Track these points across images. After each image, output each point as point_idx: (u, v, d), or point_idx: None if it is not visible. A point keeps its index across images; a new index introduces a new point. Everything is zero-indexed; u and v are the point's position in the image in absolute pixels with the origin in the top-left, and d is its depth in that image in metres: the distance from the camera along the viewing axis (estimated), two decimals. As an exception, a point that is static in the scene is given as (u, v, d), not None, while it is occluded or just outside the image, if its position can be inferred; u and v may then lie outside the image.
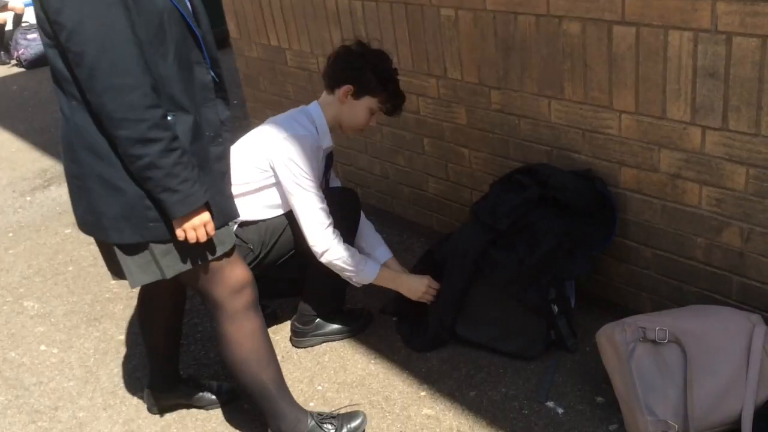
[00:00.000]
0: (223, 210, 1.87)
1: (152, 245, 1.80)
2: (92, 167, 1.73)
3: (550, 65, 2.38)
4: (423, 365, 2.48)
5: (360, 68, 2.35)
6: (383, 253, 2.63)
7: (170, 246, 1.81)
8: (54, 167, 4.92)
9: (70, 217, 4.09)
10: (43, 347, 2.94)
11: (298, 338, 2.66)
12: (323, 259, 2.33)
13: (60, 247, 3.77)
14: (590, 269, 2.35)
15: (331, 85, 2.41)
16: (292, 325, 2.67)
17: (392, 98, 2.41)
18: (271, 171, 2.34)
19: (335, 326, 2.66)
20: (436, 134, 2.98)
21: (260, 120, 4.13)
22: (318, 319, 2.63)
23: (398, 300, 2.64)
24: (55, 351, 2.90)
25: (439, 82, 2.83)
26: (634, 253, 2.41)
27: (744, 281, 2.15)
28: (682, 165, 2.14)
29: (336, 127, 2.48)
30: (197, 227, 1.77)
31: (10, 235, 4.01)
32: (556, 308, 2.35)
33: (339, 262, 2.33)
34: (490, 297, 2.42)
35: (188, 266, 1.84)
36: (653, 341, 1.95)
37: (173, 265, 1.82)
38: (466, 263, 2.41)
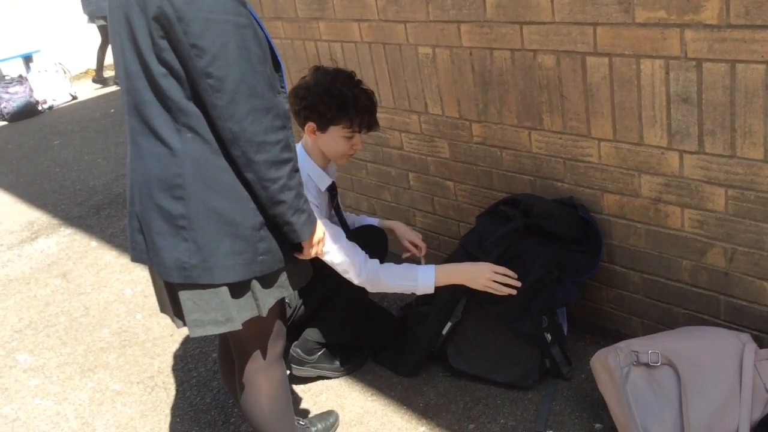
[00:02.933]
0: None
1: (253, 282, 1.77)
2: (207, 202, 1.66)
3: (527, 97, 2.43)
4: (420, 400, 2.48)
5: (311, 103, 2.24)
6: (372, 220, 2.66)
7: (268, 281, 1.80)
8: (41, 219, 4.92)
9: (60, 268, 4.08)
10: (37, 401, 2.91)
11: (297, 365, 2.64)
12: (376, 290, 2.31)
13: (50, 299, 3.76)
14: (580, 296, 2.38)
15: (299, 124, 2.34)
16: (292, 350, 2.62)
17: (357, 118, 2.26)
18: None
19: (335, 363, 2.66)
20: (420, 169, 3.02)
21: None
22: (322, 351, 2.63)
23: (371, 331, 2.68)
24: (50, 404, 2.88)
25: (421, 117, 2.88)
26: (623, 278, 2.45)
27: (731, 301, 2.18)
28: (663, 189, 2.19)
29: (327, 161, 2.40)
30: (321, 239, 1.84)
31: (0, 288, 4.00)
32: (549, 336, 2.37)
33: (392, 283, 2.29)
34: (483, 328, 2.44)
35: (272, 302, 1.82)
36: (647, 364, 1.97)
37: (267, 300, 1.80)
38: (456, 295, 2.44)
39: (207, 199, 1.66)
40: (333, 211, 2.51)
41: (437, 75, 2.71)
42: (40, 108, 8.21)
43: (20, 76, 8.33)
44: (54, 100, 8.40)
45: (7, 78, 8.34)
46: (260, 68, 1.59)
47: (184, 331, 3.20)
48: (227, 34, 1.54)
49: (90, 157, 6.13)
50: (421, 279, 2.30)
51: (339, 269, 2.26)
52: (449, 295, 2.45)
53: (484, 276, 2.27)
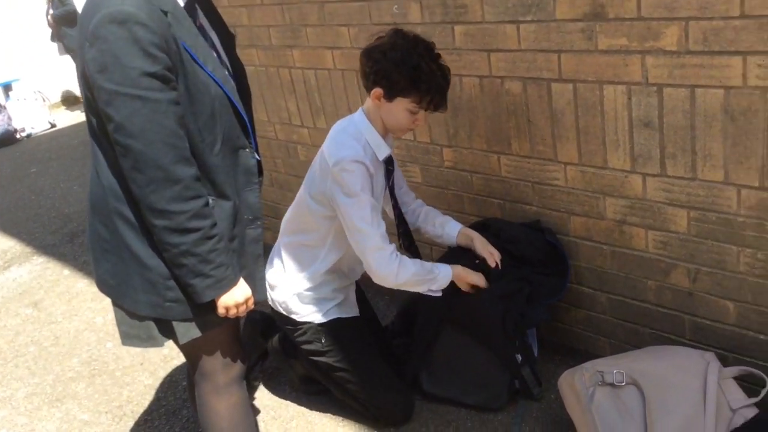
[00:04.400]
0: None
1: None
2: (123, 236, 1.72)
3: (496, 123, 2.48)
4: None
5: (383, 68, 2.07)
6: (454, 225, 2.46)
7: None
8: (14, 247, 4.86)
9: (32, 297, 4.03)
10: (3, 432, 2.86)
11: (275, 342, 2.68)
12: (395, 285, 2.21)
13: (21, 328, 3.71)
14: (550, 317, 2.40)
15: (365, 87, 2.17)
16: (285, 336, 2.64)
17: (428, 96, 2.10)
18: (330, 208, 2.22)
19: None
20: (393, 194, 3.05)
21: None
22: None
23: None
24: (16, 435, 2.83)
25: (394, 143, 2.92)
26: (590, 299, 2.48)
27: (695, 320, 2.21)
28: (627, 211, 2.23)
29: (386, 130, 2.24)
30: (240, 304, 1.80)
31: (-31, 318, 3.94)
32: (519, 357, 2.39)
33: (411, 279, 2.19)
34: (454, 352, 2.45)
35: (197, 334, 1.83)
36: (612, 384, 1.99)
37: (186, 333, 1.82)
38: (432, 318, 2.45)
39: (124, 234, 1.73)
40: (387, 191, 2.34)
41: (408, 101, 2.75)
42: (18, 136, 8.17)
43: (-1, 105, 8.30)
44: (32, 128, 8.36)
45: (-15, 105, 8.30)
46: (171, 141, 1.60)
47: (155, 360, 3.17)
48: (134, 108, 1.56)
49: (66, 185, 6.10)
50: (440, 271, 2.23)
51: (367, 258, 2.16)
52: (427, 319, 2.47)
53: (482, 277, 2.31)
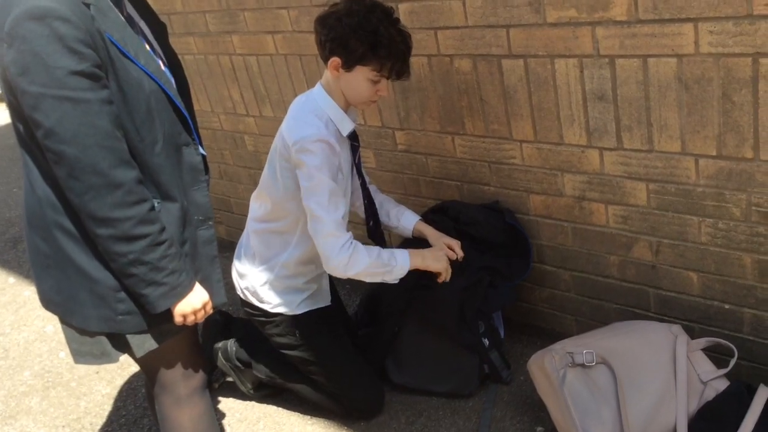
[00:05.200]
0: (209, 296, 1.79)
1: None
2: (64, 249, 1.61)
3: (448, 103, 2.40)
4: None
5: (339, 36, 1.93)
6: (410, 217, 2.35)
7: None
8: (-47, 257, 4.64)
9: (-25, 310, 3.86)
10: (-46, 457, 2.73)
11: (223, 357, 2.60)
12: (344, 276, 2.05)
13: (-34, 343, 3.54)
14: (514, 298, 2.36)
15: (322, 57, 2.02)
16: (230, 345, 2.59)
17: (389, 62, 1.96)
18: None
19: (248, 385, 2.59)
20: (346, 180, 2.96)
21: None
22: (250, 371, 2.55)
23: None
24: (-32, 459, 2.70)
25: (343, 128, 2.83)
26: (553, 277, 2.45)
27: (660, 293, 2.20)
28: (586, 187, 2.19)
29: (348, 104, 2.10)
30: (197, 310, 1.70)
31: None
32: (487, 342, 2.35)
33: (364, 271, 2.03)
34: (420, 340, 2.40)
35: (154, 346, 1.73)
36: (582, 365, 1.97)
37: (142, 345, 1.72)
38: (396, 307, 2.39)
39: (66, 247, 1.61)
40: (354, 169, 2.20)
41: (356, 84, 2.65)
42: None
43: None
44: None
45: None
46: (108, 143, 1.49)
47: (111, 367, 3.05)
48: (63, 110, 1.44)
49: (5, 188, 5.84)
50: (398, 263, 2.07)
51: (321, 243, 2.02)
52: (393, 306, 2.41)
53: (443, 258, 2.17)
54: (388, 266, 2.07)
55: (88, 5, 1.49)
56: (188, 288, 1.67)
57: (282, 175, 2.08)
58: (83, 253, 1.61)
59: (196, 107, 3.46)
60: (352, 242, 2.04)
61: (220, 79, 3.22)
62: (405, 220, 2.34)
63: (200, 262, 1.78)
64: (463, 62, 2.29)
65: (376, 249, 2.08)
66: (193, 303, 1.69)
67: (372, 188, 2.41)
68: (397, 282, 2.13)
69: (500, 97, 2.25)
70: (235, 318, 2.76)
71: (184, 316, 1.69)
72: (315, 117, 2.02)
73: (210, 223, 1.80)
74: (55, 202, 1.59)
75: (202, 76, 3.30)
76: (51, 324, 3.54)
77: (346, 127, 2.08)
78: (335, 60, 1.97)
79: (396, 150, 2.68)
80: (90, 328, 1.68)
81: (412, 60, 2.41)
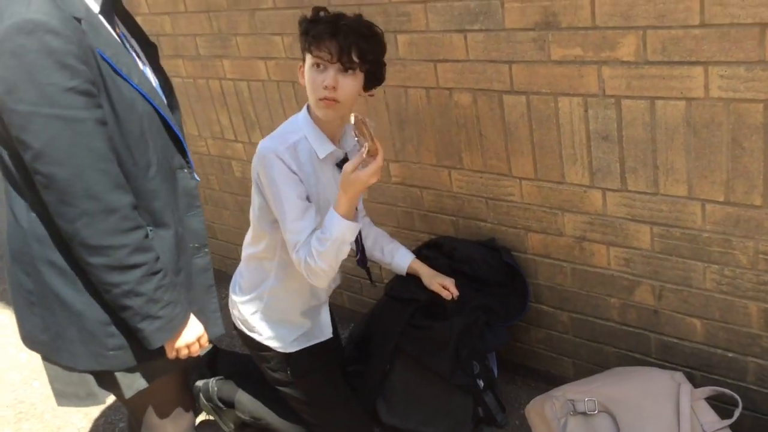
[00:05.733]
0: (205, 328, 1.70)
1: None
2: (50, 284, 1.52)
3: (446, 136, 2.35)
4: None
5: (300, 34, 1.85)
6: (404, 255, 2.24)
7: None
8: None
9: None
10: None
11: (204, 397, 2.48)
12: (316, 268, 1.83)
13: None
14: (509, 339, 2.30)
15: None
16: (211, 384, 2.49)
17: (315, 40, 1.78)
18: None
19: (231, 426, 2.48)
20: (337, 210, 2.89)
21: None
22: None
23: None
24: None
25: (336, 158, 2.76)
26: (551, 318, 2.39)
27: (662, 338, 2.15)
28: (587, 227, 2.14)
29: (325, 123, 1.91)
30: (192, 344, 1.62)
31: None
32: (481, 383, 2.28)
33: (321, 258, 1.81)
34: (413, 380, 2.32)
35: (144, 385, 1.65)
36: (584, 413, 1.90)
37: (132, 385, 1.64)
38: (387, 343, 2.31)
39: (52, 282, 1.52)
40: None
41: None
42: None
43: None
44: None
45: None
46: (102, 166, 1.41)
47: (88, 399, 2.94)
48: (55, 130, 1.36)
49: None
50: (331, 227, 1.79)
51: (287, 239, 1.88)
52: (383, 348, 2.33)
53: (368, 170, 1.77)
54: (329, 239, 1.80)
55: (79, 20, 1.41)
56: (183, 321, 1.59)
57: (254, 192, 1.99)
58: (71, 287, 1.52)
59: (184, 131, 3.38)
60: (304, 242, 1.86)
61: (209, 103, 3.15)
62: (399, 257, 2.26)
63: (195, 292, 1.70)
64: (463, 96, 2.24)
65: (316, 234, 1.85)
66: (188, 337, 1.61)
67: (366, 221, 2.33)
68: (353, 239, 1.87)
69: (500, 132, 2.20)
70: (221, 351, 2.66)
71: (178, 351, 1.61)
72: (288, 133, 1.91)
73: (205, 250, 1.73)
74: (42, 235, 1.50)
75: (190, 100, 3.22)
76: (24, 352, 3.41)
77: (324, 148, 1.91)
78: (299, 64, 1.88)
79: (390, 182, 2.62)
80: (78, 367, 1.59)
81: (410, 91, 2.37)
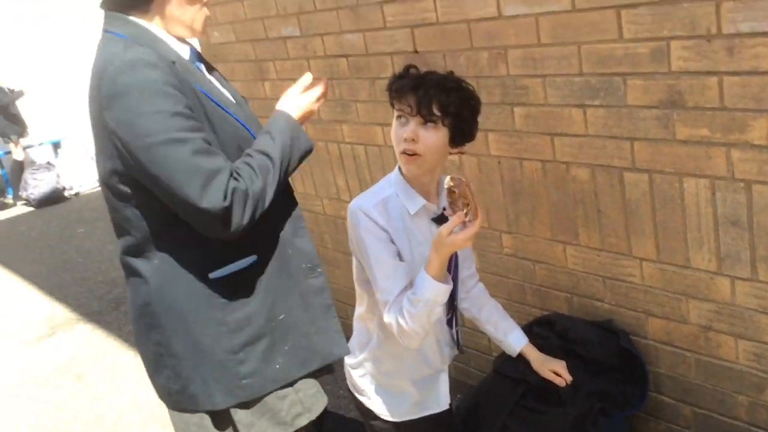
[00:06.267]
0: (325, 350, 1.73)
1: (240, 412, 1.65)
2: (175, 328, 1.61)
3: (561, 210, 2.29)
4: None
5: None
6: (518, 337, 2.13)
7: (260, 407, 1.67)
8: (60, 313, 4.83)
9: (76, 369, 3.97)
10: None
11: None
12: (408, 329, 1.76)
13: (64, 403, 3.62)
14: (627, 429, 2.17)
15: None
16: None
17: (394, 89, 1.82)
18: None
19: None
20: (447, 277, 2.87)
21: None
22: None
23: None
24: None
25: (448, 225, 2.75)
26: (672, 411, 2.23)
27: (797, 444, 1.97)
28: (713, 317, 2.00)
29: (414, 178, 1.87)
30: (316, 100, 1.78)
31: (14, 387, 3.87)
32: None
33: (413, 320, 1.75)
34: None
35: (264, 427, 1.67)
36: None
37: (252, 424, 1.68)
38: (495, 426, 2.23)
39: (176, 325, 1.60)
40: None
41: (464, 183, 2.59)
42: (66, 194, 8.28)
43: (48, 163, 8.44)
44: (80, 186, 8.46)
45: (35, 164, 8.46)
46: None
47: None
48: (174, 151, 1.45)
49: (113, 247, 6.05)
50: (420, 286, 1.73)
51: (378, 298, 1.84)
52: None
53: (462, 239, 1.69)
54: (421, 302, 1.74)
55: (173, 62, 1.54)
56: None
57: (352, 251, 1.98)
58: (194, 324, 1.60)
59: (300, 189, 3.49)
60: (398, 301, 1.80)
61: (327, 165, 3.24)
62: (513, 338, 2.15)
63: (314, 313, 1.72)
64: (581, 171, 2.18)
65: (407, 294, 1.78)
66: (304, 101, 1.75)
67: (479, 288, 2.20)
68: (446, 300, 1.79)
69: (620, 210, 2.12)
70: (329, 413, 2.64)
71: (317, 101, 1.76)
72: (379, 190, 1.91)
73: (319, 270, 1.75)
74: (163, 283, 1.59)
75: (310, 161, 3.31)
76: (143, 391, 3.58)
77: (415, 204, 1.87)
78: None
79: (501, 253, 2.58)
80: (216, 406, 1.64)
81: (525, 163, 2.33)
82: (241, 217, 1.50)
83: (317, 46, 3.00)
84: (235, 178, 1.51)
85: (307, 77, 1.83)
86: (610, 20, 1.96)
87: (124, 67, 1.46)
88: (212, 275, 1.61)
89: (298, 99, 1.76)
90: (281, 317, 1.69)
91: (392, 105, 1.84)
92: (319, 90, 1.79)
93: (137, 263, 1.62)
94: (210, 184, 1.45)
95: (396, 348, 1.96)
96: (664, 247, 2.05)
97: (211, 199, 1.45)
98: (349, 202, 3.19)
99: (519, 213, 2.44)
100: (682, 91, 1.86)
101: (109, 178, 1.56)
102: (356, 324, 2.11)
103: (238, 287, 1.64)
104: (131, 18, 1.60)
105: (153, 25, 1.61)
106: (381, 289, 1.82)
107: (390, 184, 1.91)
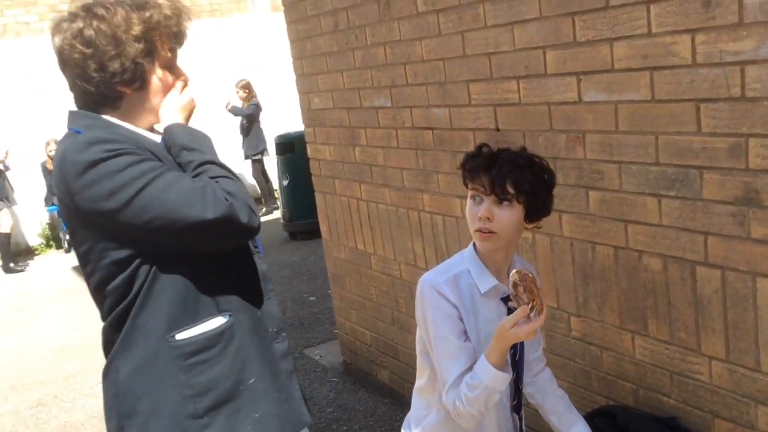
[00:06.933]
0: (293, 417, 1.71)
1: None
2: (142, 390, 1.61)
3: (631, 299, 2.25)
4: None
5: None
6: (581, 430, 2.05)
7: None
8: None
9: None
10: None
11: None
12: (453, 413, 1.82)
13: None
14: None
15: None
16: None
17: (468, 169, 1.85)
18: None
19: None
20: (515, 354, 2.84)
21: (345, 318, 4.14)
22: None
23: None
24: None
25: (518, 302, 2.74)
26: None
27: None
28: (785, 427, 1.90)
29: (488, 256, 1.88)
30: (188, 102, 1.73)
31: None
32: None
33: (470, 404, 1.77)
34: None
35: None
36: None
37: None
38: None
39: (143, 388, 1.60)
40: (508, 356, 1.81)
41: (536, 261, 2.58)
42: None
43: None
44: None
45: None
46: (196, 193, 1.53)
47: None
48: (153, 194, 1.49)
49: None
50: (479, 372, 1.76)
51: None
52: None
53: (520, 329, 1.71)
54: (478, 386, 1.75)
55: (150, 151, 1.61)
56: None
57: (418, 323, 1.98)
58: (160, 387, 1.61)
59: (380, 253, 3.57)
60: (457, 383, 1.82)
61: (407, 232, 3.31)
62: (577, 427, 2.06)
63: (281, 380, 1.70)
64: (653, 261, 2.14)
65: (466, 380, 1.79)
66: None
67: (546, 375, 2.13)
68: (504, 388, 1.80)
69: (691, 305, 2.06)
70: None
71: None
72: (452, 266, 1.91)
73: (283, 334, 1.74)
74: (132, 377, 1.60)
75: (391, 226, 3.42)
76: None
77: (486, 282, 1.86)
78: None
79: (569, 336, 2.54)
80: None
81: (597, 248, 2.32)
82: (248, 210, 1.54)
83: (405, 117, 3.12)
84: (217, 182, 1.55)
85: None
86: (689, 113, 1.96)
87: (79, 146, 1.51)
88: (180, 335, 1.59)
89: (173, 104, 1.71)
90: (251, 381, 1.65)
91: (465, 184, 1.88)
92: (179, 84, 1.74)
93: (117, 359, 1.62)
94: (205, 198, 1.49)
95: (454, 427, 1.94)
96: (734, 348, 1.97)
97: (215, 208, 1.49)
98: (424, 269, 3.26)
99: (588, 297, 2.41)
100: (759, 189, 1.81)
101: (99, 262, 1.58)
102: (415, 397, 2.10)
103: (209, 347, 1.61)
104: (103, 117, 1.64)
105: (123, 121, 1.65)
106: (443, 368, 1.84)
107: (463, 259, 1.92)
